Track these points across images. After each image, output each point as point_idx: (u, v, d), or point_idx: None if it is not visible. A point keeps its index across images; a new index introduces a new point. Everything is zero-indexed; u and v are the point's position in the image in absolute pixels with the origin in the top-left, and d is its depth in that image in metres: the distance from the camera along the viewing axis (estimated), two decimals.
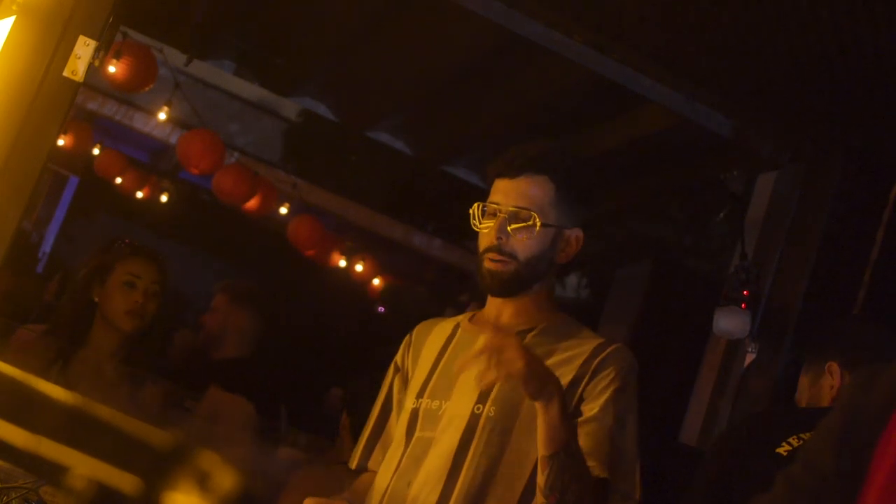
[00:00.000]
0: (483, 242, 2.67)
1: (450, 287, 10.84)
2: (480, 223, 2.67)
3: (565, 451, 2.39)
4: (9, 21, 3.19)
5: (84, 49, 3.26)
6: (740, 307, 4.72)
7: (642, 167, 6.01)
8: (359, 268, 10.22)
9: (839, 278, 4.71)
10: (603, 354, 2.59)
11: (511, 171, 2.66)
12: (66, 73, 3.24)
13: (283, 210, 9.39)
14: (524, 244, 2.62)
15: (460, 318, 2.84)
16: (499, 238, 2.62)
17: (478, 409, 2.58)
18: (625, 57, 4.59)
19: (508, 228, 2.61)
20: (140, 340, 3.82)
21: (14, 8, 3.17)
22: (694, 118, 4.85)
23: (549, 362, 2.48)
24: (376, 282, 10.52)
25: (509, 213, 2.62)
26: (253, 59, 6.19)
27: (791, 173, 5.03)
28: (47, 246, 11.47)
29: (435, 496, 2.53)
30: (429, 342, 2.80)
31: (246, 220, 9.26)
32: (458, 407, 2.61)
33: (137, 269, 3.82)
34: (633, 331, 5.69)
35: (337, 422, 4.71)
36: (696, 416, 5.13)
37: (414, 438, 2.63)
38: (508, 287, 2.64)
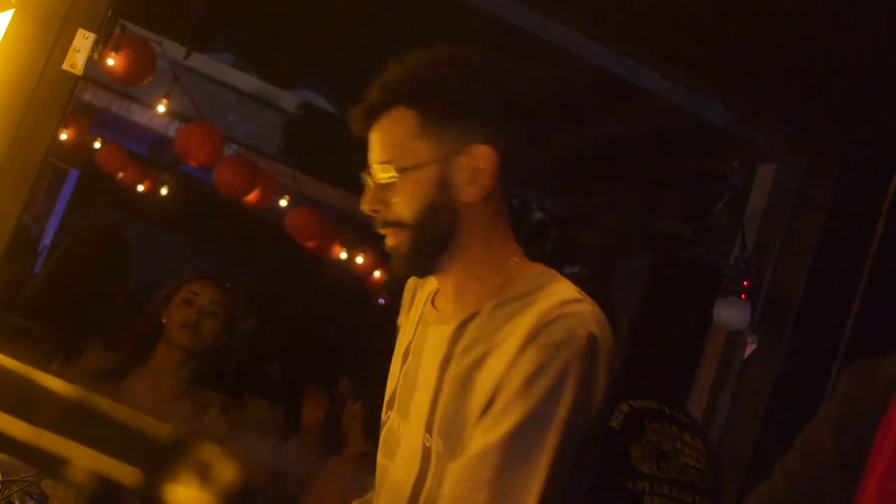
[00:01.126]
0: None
1: None
2: None
3: None
4: (7, 14, 3.19)
5: (83, 42, 3.25)
6: (740, 298, 4.72)
7: (642, 159, 6.01)
8: (359, 260, 10.22)
9: (839, 269, 4.71)
10: (535, 333, 1.86)
11: (364, 123, 2.03)
12: (65, 67, 3.24)
13: (283, 202, 9.38)
14: (403, 203, 1.97)
15: (432, 282, 2.19)
16: (374, 210, 2.02)
17: (427, 440, 1.98)
18: (624, 49, 4.59)
19: (379, 193, 2.00)
20: (205, 360, 3.90)
21: (13, 1, 3.17)
22: (693, 110, 4.84)
23: (481, 375, 1.91)
24: (377, 274, 10.53)
25: (372, 175, 2.01)
26: (252, 52, 6.18)
27: (791, 165, 5.03)
28: (47, 240, 11.47)
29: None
30: (417, 304, 2.23)
31: (246, 213, 9.25)
32: (410, 433, 2.05)
33: (197, 289, 3.95)
34: (633, 323, 5.68)
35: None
36: (696, 407, 5.14)
37: (378, 461, 2.15)
38: (416, 264, 2.04)
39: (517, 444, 1.81)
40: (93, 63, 3.36)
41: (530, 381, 1.83)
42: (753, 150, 5.07)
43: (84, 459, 0.60)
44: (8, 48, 3.19)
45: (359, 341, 10.63)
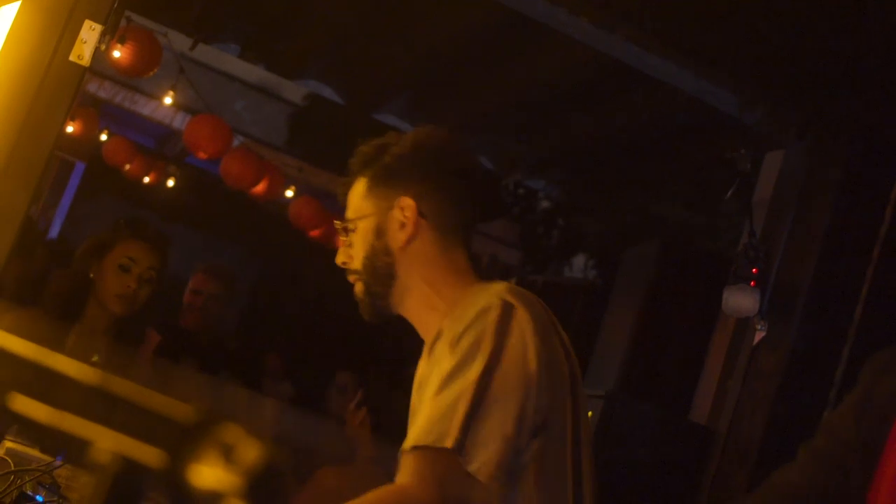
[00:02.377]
0: None
1: None
2: None
3: None
4: (14, 6, 3.19)
5: (90, 33, 3.25)
6: (749, 285, 4.71)
7: (649, 147, 6.01)
8: None
9: (848, 255, 4.70)
10: (448, 319, 2.22)
11: (344, 196, 2.45)
12: (72, 58, 3.24)
13: (290, 193, 9.38)
14: (356, 252, 2.38)
15: None
16: (343, 263, 2.42)
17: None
18: (631, 36, 4.58)
19: (345, 245, 2.41)
20: (133, 320, 3.82)
21: None
22: (700, 97, 4.83)
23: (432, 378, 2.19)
24: None
25: (339, 231, 2.44)
26: (258, 43, 6.18)
27: (798, 151, 5.02)
28: (54, 232, 11.48)
29: None
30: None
31: (253, 204, 9.25)
32: None
33: (134, 253, 3.78)
34: (642, 311, 5.68)
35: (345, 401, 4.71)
36: (705, 394, 5.14)
37: None
38: (370, 305, 2.40)
39: (445, 388, 2.08)
40: (98, 55, 3.35)
41: (452, 343, 2.13)
42: (761, 137, 5.06)
43: (106, 441, 0.60)
44: (15, 40, 3.19)
45: (363, 332, 10.65)
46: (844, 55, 4.31)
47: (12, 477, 2.51)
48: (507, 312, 2.15)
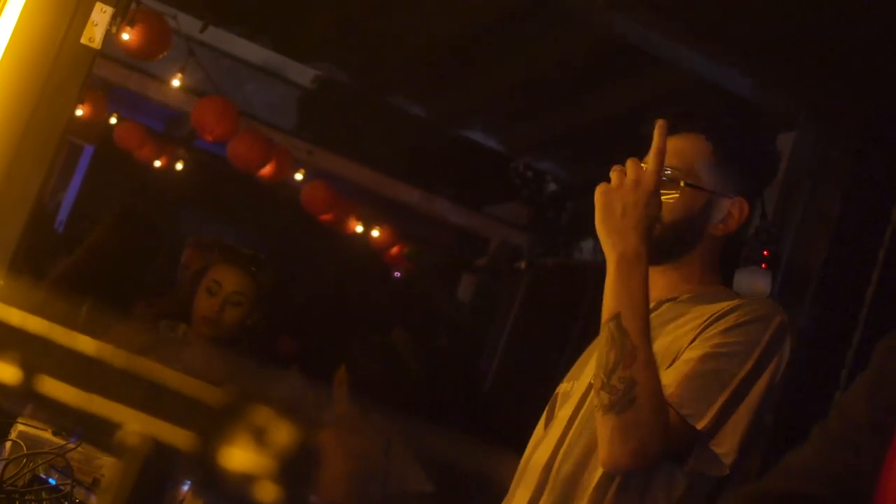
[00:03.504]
0: None
1: (466, 252, 10.83)
2: None
3: (615, 323, 2.17)
4: None
5: (101, 16, 3.24)
6: (761, 267, 4.70)
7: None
8: (375, 234, 10.22)
9: (859, 237, 4.69)
10: (732, 305, 2.28)
11: (668, 128, 2.34)
12: (83, 41, 3.23)
13: (299, 176, 9.38)
14: (668, 206, 2.30)
15: None
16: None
17: (592, 381, 2.31)
18: (643, 17, 4.56)
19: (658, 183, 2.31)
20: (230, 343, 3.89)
21: None
22: (713, 78, 4.82)
23: (673, 325, 2.30)
24: (395, 249, 10.53)
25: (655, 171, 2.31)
26: (269, 25, 6.16)
27: (810, 133, 5.01)
28: (63, 215, 11.49)
29: (545, 457, 2.37)
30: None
31: (262, 187, 9.25)
32: (581, 385, 2.41)
33: (221, 276, 3.86)
34: None
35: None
36: None
37: (545, 430, 2.47)
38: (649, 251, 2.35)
39: (714, 363, 2.18)
40: (107, 38, 3.35)
41: (731, 329, 2.21)
42: (773, 118, 5.05)
43: (136, 423, 0.60)
44: (26, 23, 3.18)
45: (374, 314, 10.64)
46: (857, 38, 4.29)
47: (25, 460, 2.51)
48: (781, 332, 2.23)
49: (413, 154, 10.09)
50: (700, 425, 2.15)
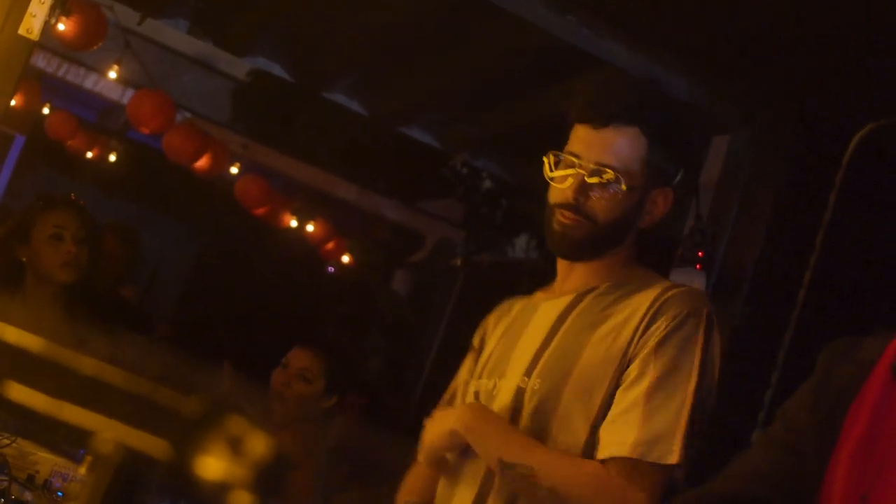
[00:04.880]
0: (555, 196, 2.36)
1: (402, 248, 10.84)
2: (552, 171, 2.35)
3: (502, 464, 2.21)
4: None
5: (39, 7, 3.22)
6: (695, 268, 4.76)
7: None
8: (310, 228, 10.19)
9: (793, 239, 4.75)
10: (658, 304, 2.25)
11: (597, 119, 2.33)
12: (21, 32, 3.20)
13: (234, 170, 9.32)
14: (605, 207, 2.29)
15: (527, 300, 2.55)
16: (576, 198, 2.30)
17: (524, 381, 2.31)
18: (582, 18, 4.58)
19: (588, 186, 2.30)
20: (80, 293, 3.79)
21: None
22: (649, 79, 4.85)
23: (601, 330, 2.27)
24: (330, 244, 10.50)
25: (590, 171, 2.29)
26: (207, 18, 6.11)
27: (744, 135, 5.06)
28: None
29: (483, 469, 2.32)
30: (501, 323, 2.55)
31: (196, 180, 9.19)
32: (507, 384, 2.35)
33: (61, 220, 3.76)
34: None
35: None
36: None
37: None
38: (579, 250, 2.35)
39: (658, 395, 2.17)
40: (43, 27, 3.32)
41: (662, 344, 2.20)
42: (708, 121, 5.10)
43: (109, 431, 0.59)
44: None
45: (308, 308, 10.62)
46: (790, 41, 4.34)
47: None
48: (711, 325, 2.25)
49: (351, 150, 10.08)
50: (675, 460, 2.18)
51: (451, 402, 2.56)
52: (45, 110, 9.39)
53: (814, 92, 4.70)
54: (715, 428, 4.55)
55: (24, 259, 3.75)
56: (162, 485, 0.64)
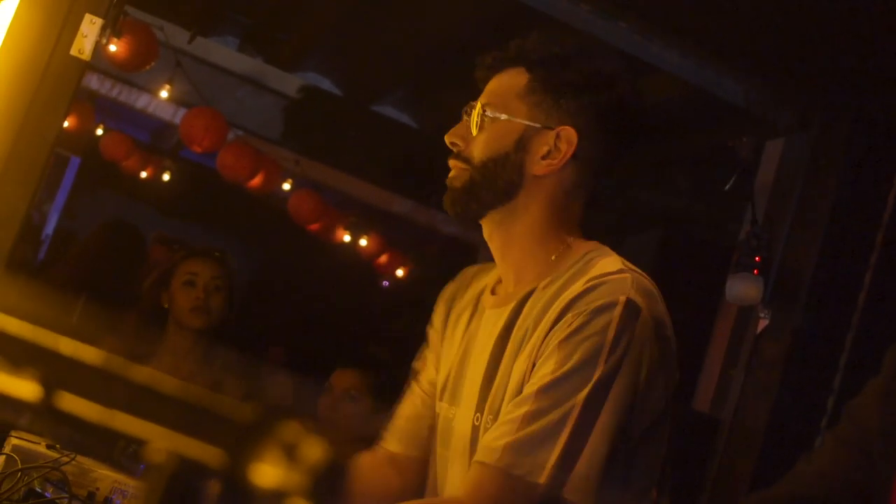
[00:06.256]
0: None
1: (456, 261, 10.83)
2: None
3: None
4: (14, 1, 3.17)
5: (90, 27, 3.24)
6: (752, 273, 4.71)
7: (650, 136, 5.99)
8: (363, 243, 10.21)
9: (850, 242, 4.70)
10: (568, 301, 1.93)
11: (487, 72, 2.16)
12: (73, 52, 3.22)
13: (287, 186, 9.37)
14: (478, 144, 2.07)
15: (488, 278, 2.24)
16: (452, 142, 2.13)
17: (476, 419, 2.05)
18: (633, 24, 4.56)
19: (462, 128, 2.11)
20: (214, 336, 3.94)
21: None
22: (703, 85, 4.82)
23: (525, 349, 1.97)
24: (383, 258, 10.52)
25: (471, 114, 2.10)
26: (256, 35, 6.15)
27: (800, 139, 5.01)
28: (50, 228, 11.45)
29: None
30: (460, 307, 2.27)
31: (250, 198, 9.24)
32: (463, 416, 2.10)
33: (195, 268, 3.98)
34: None
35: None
36: (708, 383, 5.13)
37: (437, 454, 2.20)
38: (462, 202, 2.08)
39: (546, 399, 1.86)
40: (95, 49, 3.34)
41: (563, 342, 1.88)
42: (763, 126, 5.05)
43: (162, 440, 0.59)
44: (15, 35, 3.17)
45: (363, 324, 10.62)
46: (846, 43, 4.30)
47: (20, 474, 2.50)
48: (630, 316, 1.89)
49: (402, 163, 10.08)
50: (542, 479, 1.84)
51: (410, 384, 2.33)
52: (99, 131, 9.50)
53: (869, 94, 4.64)
54: (778, 433, 4.53)
55: (166, 306, 3.97)
56: (216, 493, 0.64)
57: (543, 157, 2.06)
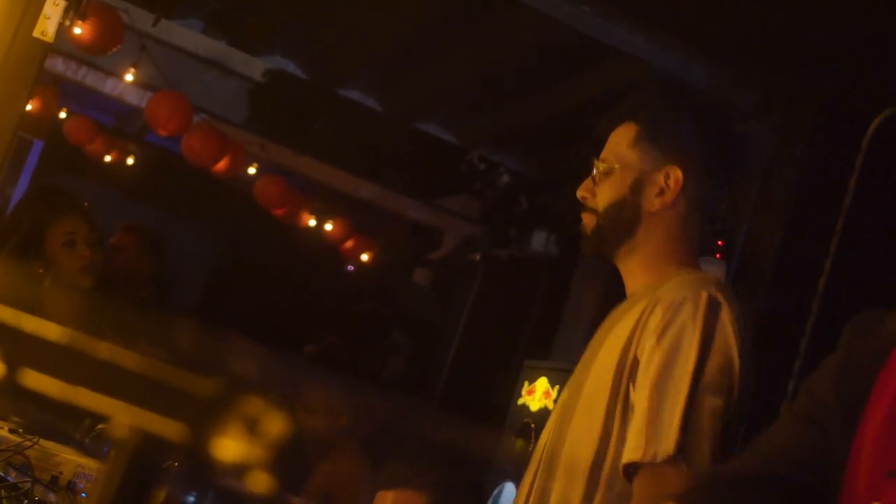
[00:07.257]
0: None
1: (421, 245, 10.82)
2: None
3: None
4: None
5: (53, 9, 3.22)
6: (715, 257, 4.74)
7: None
8: (328, 227, 10.19)
9: (813, 226, 4.73)
10: (655, 298, 2.30)
11: (605, 131, 2.54)
12: (35, 34, 3.20)
13: (252, 171, 9.33)
14: (601, 194, 2.43)
15: None
16: (582, 196, 2.48)
17: (564, 394, 2.46)
18: (598, 9, 4.57)
19: (589, 184, 2.46)
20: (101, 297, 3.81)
21: None
22: (668, 69, 4.84)
23: (610, 337, 2.36)
24: (349, 243, 10.50)
25: (594, 168, 2.47)
26: (221, 18, 6.12)
27: (764, 123, 5.04)
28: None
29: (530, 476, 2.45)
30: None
31: (215, 182, 9.20)
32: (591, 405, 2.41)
33: (71, 226, 3.77)
34: (608, 286, 5.70)
35: None
36: None
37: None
38: (594, 245, 2.47)
39: (660, 388, 2.18)
40: (58, 32, 3.32)
41: (659, 334, 2.22)
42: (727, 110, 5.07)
43: (125, 415, 0.59)
44: None
45: (329, 308, 10.62)
46: (808, 28, 4.32)
47: None
48: (713, 307, 2.25)
49: (367, 147, 10.07)
50: (670, 452, 2.15)
51: None
52: (63, 115, 9.43)
53: (832, 78, 4.67)
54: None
55: (40, 271, 3.73)
56: (179, 467, 0.64)
57: (657, 196, 2.40)
